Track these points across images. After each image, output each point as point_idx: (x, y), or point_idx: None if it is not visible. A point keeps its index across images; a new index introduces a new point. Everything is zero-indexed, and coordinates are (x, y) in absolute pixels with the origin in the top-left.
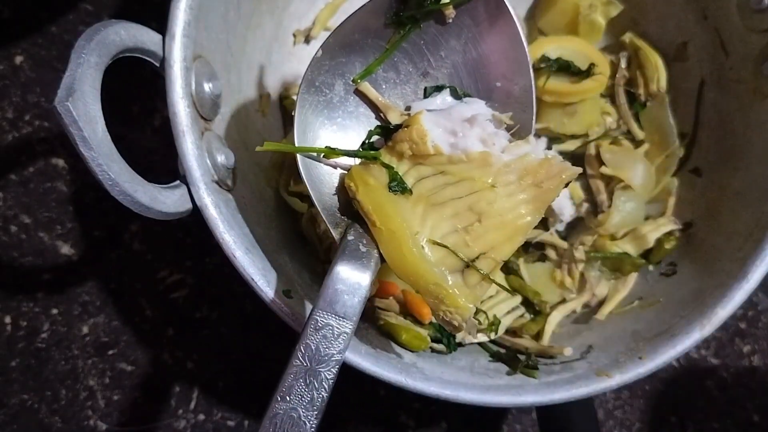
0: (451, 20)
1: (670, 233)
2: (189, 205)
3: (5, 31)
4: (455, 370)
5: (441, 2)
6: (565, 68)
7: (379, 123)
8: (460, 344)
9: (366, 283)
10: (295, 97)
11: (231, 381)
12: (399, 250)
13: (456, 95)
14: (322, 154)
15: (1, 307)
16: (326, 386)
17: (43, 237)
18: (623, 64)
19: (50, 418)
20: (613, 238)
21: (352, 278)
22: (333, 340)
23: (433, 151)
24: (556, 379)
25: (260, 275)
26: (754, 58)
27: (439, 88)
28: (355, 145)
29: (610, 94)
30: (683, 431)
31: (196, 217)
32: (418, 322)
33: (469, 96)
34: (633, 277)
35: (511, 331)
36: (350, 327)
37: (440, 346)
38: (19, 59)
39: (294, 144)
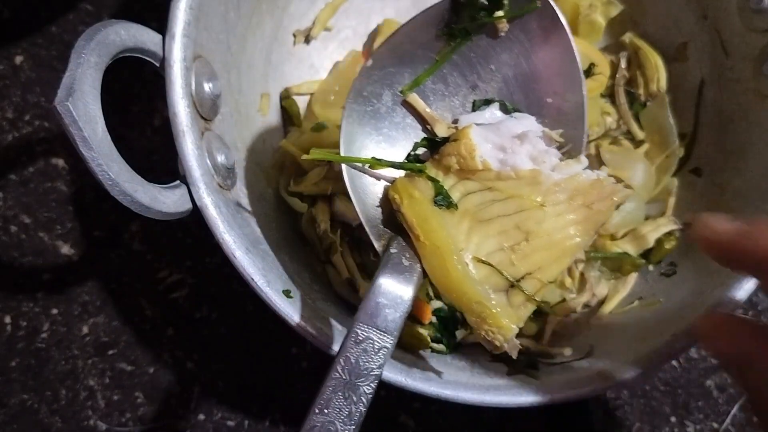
0: (503, 34)
1: (670, 233)
2: (189, 205)
3: (5, 31)
4: (455, 370)
5: (494, 16)
6: None
7: (425, 135)
8: (460, 344)
9: (408, 298)
10: (295, 97)
11: (231, 381)
12: (443, 266)
13: (505, 110)
14: (368, 165)
15: (1, 307)
16: (364, 401)
17: (43, 237)
18: (623, 64)
19: (50, 418)
20: (613, 238)
21: (394, 292)
22: (373, 354)
23: (482, 167)
24: (556, 380)
25: (260, 275)
26: (754, 58)
27: (488, 102)
28: (400, 156)
29: (610, 94)
30: (683, 431)
31: (196, 217)
32: (418, 322)
33: (519, 111)
34: (633, 277)
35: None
36: (391, 341)
37: (440, 347)
38: (19, 59)
39: (339, 153)
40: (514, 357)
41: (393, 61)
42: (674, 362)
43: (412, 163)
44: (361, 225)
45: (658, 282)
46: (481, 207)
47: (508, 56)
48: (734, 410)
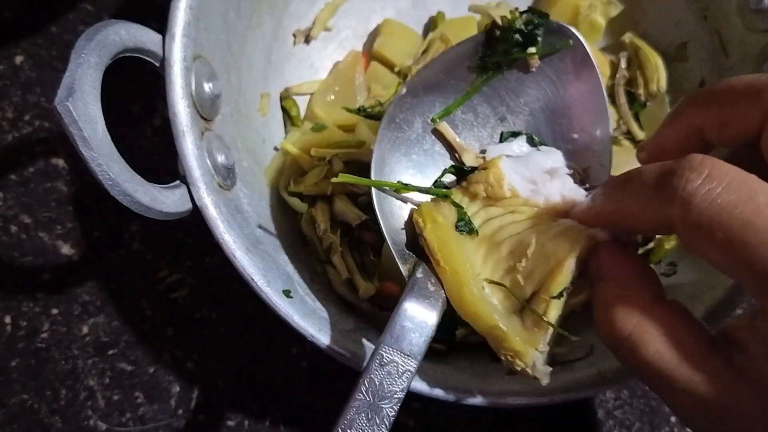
0: (534, 69)
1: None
2: (189, 205)
3: (5, 31)
4: (455, 370)
5: (527, 52)
6: None
7: (453, 163)
8: (460, 344)
9: (433, 323)
10: (295, 97)
11: (231, 381)
12: (461, 290)
13: (532, 142)
14: (395, 189)
15: (1, 307)
16: (387, 423)
17: (44, 237)
18: (623, 64)
19: (50, 418)
20: None
21: (419, 316)
22: (397, 377)
23: (510, 194)
24: (556, 380)
25: (260, 275)
26: (754, 58)
27: (515, 134)
28: (427, 182)
29: (609, 94)
30: (683, 431)
31: (196, 217)
32: None
33: (545, 145)
34: None
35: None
36: (414, 365)
37: (440, 346)
38: (19, 59)
39: (369, 177)
40: (544, 384)
41: (426, 91)
42: None
43: (439, 189)
44: (361, 225)
45: None
46: (499, 230)
47: (537, 91)
48: None
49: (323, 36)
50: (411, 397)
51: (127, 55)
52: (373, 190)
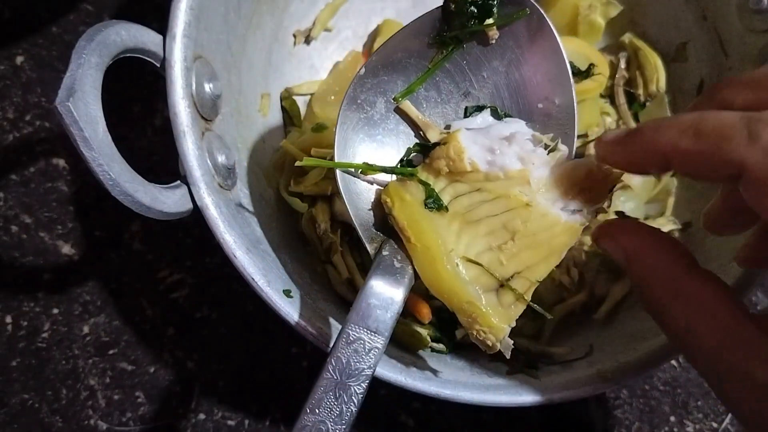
0: (494, 41)
1: (669, 233)
2: (189, 205)
3: (6, 31)
4: (455, 369)
5: (485, 23)
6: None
7: (418, 141)
8: (460, 344)
9: (399, 299)
10: (295, 98)
11: (231, 381)
12: (433, 267)
13: (497, 115)
14: (360, 170)
15: (1, 307)
16: (355, 401)
17: (44, 237)
18: (622, 64)
19: (51, 418)
20: None
21: (385, 293)
22: (364, 354)
23: (470, 168)
24: (556, 379)
25: (260, 275)
26: (753, 58)
27: (479, 108)
28: (393, 162)
29: (609, 95)
30: (683, 431)
31: (196, 217)
32: (418, 322)
33: (510, 116)
34: None
35: (511, 331)
36: (382, 342)
37: (440, 346)
38: (19, 59)
39: (333, 159)
40: (507, 356)
41: (386, 70)
42: (674, 362)
43: (404, 168)
44: None
45: None
46: (471, 208)
47: (500, 63)
48: None
49: (323, 36)
50: (411, 396)
51: (128, 55)
52: (338, 172)
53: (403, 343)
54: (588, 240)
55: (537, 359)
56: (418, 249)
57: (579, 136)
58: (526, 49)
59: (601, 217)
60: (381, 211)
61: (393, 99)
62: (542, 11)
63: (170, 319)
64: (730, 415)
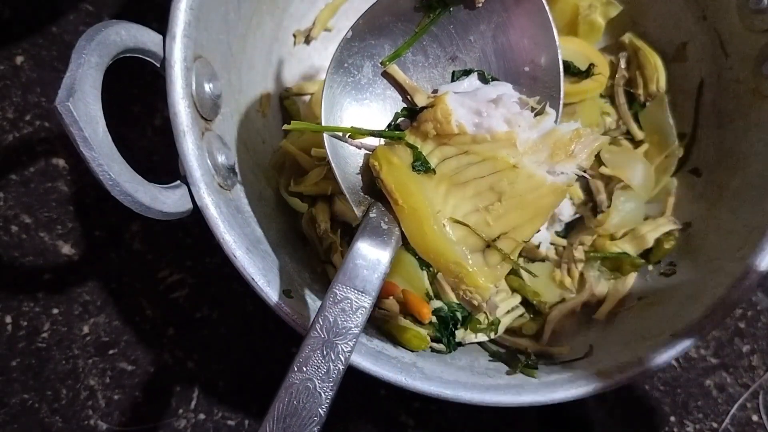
0: (480, 5)
1: (669, 233)
2: (189, 205)
3: (6, 31)
4: (455, 369)
5: None
6: (564, 69)
7: (405, 105)
8: (460, 344)
9: (386, 260)
10: (295, 98)
11: (231, 381)
12: (420, 228)
13: (484, 79)
14: (348, 135)
15: (1, 307)
16: (342, 359)
17: (44, 237)
18: (623, 64)
19: (51, 418)
20: (612, 238)
21: (372, 254)
22: (351, 313)
23: (457, 131)
24: (556, 379)
25: (260, 275)
26: (753, 58)
27: (467, 72)
28: (381, 126)
29: (609, 95)
30: (683, 431)
31: (196, 217)
32: (418, 322)
33: (497, 80)
34: (632, 277)
35: (511, 331)
36: (369, 302)
37: (440, 346)
38: (19, 59)
39: (320, 124)
40: (491, 317)
41: (372, 33)
42: (674, 362)
43: (392, 131)
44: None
45: (658, 282)
46: (458, 170)
47: (486, 27)
48: (733, 410)
49: (323, 36)
50: (411, 396)
51: (128, 55)
52: (325, 136)
53: (403, 343)
54: (588, 240)
55: (537, 359)
56: (405, 211)
57: None
58: (512, 12)
59: (601, 218)
60: (369, 175)
61: (380, 63)
62: None
63: (170, 319)
64: (730, 416)
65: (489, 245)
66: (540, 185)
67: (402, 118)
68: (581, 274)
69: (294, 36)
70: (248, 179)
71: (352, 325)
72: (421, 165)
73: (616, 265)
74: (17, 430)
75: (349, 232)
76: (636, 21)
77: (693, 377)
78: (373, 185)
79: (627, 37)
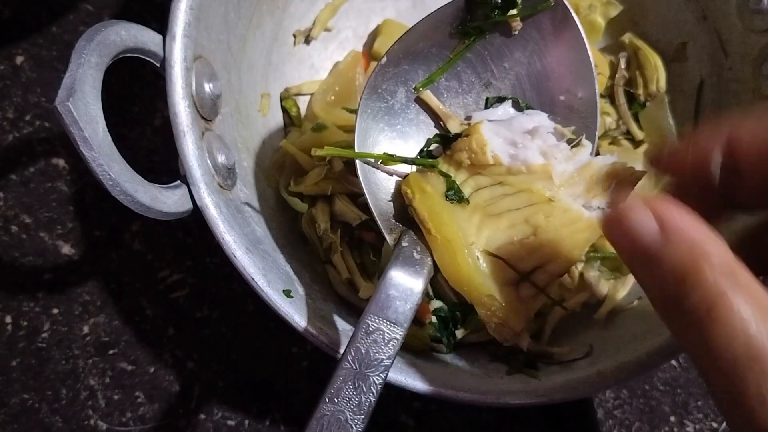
0: (517, 32)
1: None
2: (189, 206)
3: (6, 31)
4: (455, 369)
5: (508, 14)
6: None
7: (438, 131)
8: (460, 344)
9: (419, 290)
10: (295, 98)
11: (231, 381)
12: (453, 260)
13: (518, 107)
14: (380, 161)
15: (1, 307)
16: (374, 391)
17: (44, 237)
18: (622, 64)
19: (51, 418)
20: None
21: (405, 284)
22: (383, 345)
23: (492, 161)
24: (556, 379)
25: (260, 275)
26: (753, 58)
27: (501, 99)
28: (413, 152)
29: (609, 95)
30: (683, 431)
31: (196, 217)
32: (419, 322)
33: (531, 108)
34: (632, 277)
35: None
36: (401, 333)
37: (440, 346)
38: (19, 59)
39: (354, 149)
40: (525, 349)
41: (407, 59)
42: (674, 362)
43: (424, 159)
44: (361, 225)
45: None
46: (492, 201)
47: (522, 54)
48: None
49: (323, 36)
50: (411, 396)
51: (128, 55)
52: (358, 162)
53: (404, 343)
54: None
55: (537, 359)
56: (438, 241)
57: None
58: (549, 41)
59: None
60: (400, 202)
61: (414, 89)
62: (567, 3)
63: (170, 319)
64: None
65: (522, 279)
66: (576, 220)
67: (435, 145)
68: (581, 274)
69: (294, 36)
70: (248, 179)
71: (384, 357)
72: (454, 194)
73: (617, 265)
74: (17, 430)
75: (349, 233)
76: (636, 21)
77: (693, 377)
78: (404, 212)
79: (627, 37)
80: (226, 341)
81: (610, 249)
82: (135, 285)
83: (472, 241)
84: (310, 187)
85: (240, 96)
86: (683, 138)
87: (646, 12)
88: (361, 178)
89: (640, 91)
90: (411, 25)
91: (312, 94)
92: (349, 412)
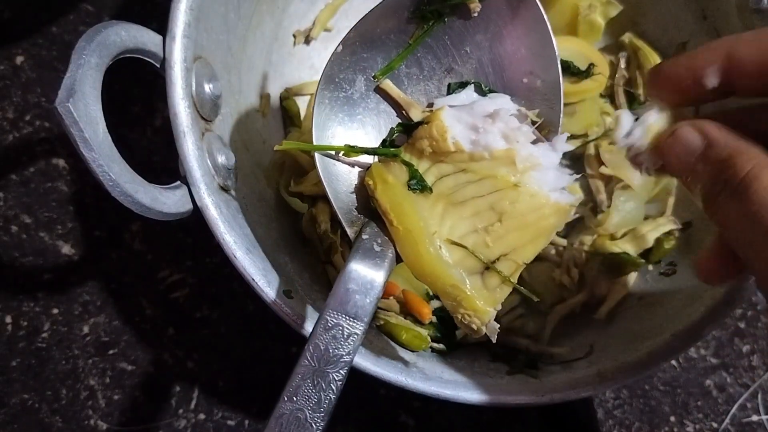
0: (476, 14)
1: (669, 233)
2: (190, 206)
3: (6, 31)
4: (455, 370)
5: None
6: (564, 68)
7: (400, 120)
8: (460, 344)
9: (379, 283)
10: (295, 98)
11: (231, 381)
12: (416, 250)
13: (481, 91)
14: (341, 153)
15: (1, 307)
16: (334, 388)
17: (44, 237)
18: (622, 64)
19: (51, 418)
20: (612, 237)
21: (365, 278)
22: (343, 341)
23: (454, 148)
24: (556, 379)
25: (261, 275)
26: None
27: (463, 85)
28: (375, 143)
29: (609, 95)
30: (683, 431)
31: (196, 217)
32: (418, 322)
33: (495, 92)
34: (633, 277)
35: (511, 331)
36: (361, 328)
37: (440, 346)
38: (19, 59)
39: (312, 141)
40: (494, 341)
41: (364, 46)
42: (674, 362)
43: (386, 149)
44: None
45: (658, 282)
46: (456, 189)
47: (483, 37)
48: (734, 410)
49: (323, 36)
50: (411, 396)
51: (128, 56)
52: (317, 154)
53: (403, 343)
54: (588, 239)
55: (537, 359)
56: (400, 232)
57: (578, 137)
58: (509, 21)
59: (601, 217)
60: (363, 194)
61: (373, 77)
62: None
63: (170, 319)
64: (730, 416)
65: (488, 267)
66: (543, 205)
67: (398, 134)
68: (581, 274)
69: (294, 36)
70: (248, 179)
71: (344, 353)
72: (417, 183)
73: (616, 265)
74: (17, 430)
75: None
76: (636, 21)
77: (693, 377)
78: (367, 204)
79: (627, 37)
80: (226, 341)
81: (610, 249)
82: (135, 285)
83: (435, 231)
84: (310, 187)
85: (240, 96)
86: (680, 56)
87: (646, 12)
88: (320, 171)
89: (640, 91)
90: None
91: (312, 94)
92: (309, 410)
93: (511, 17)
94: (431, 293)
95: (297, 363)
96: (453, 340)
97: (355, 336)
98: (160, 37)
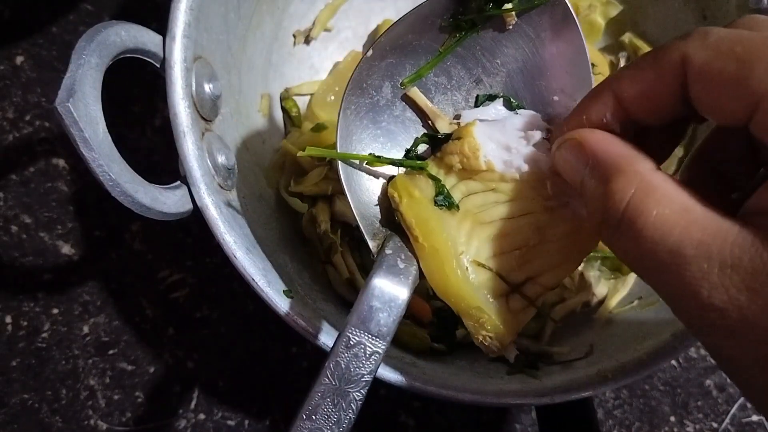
0: (511, 27)
1: None
2: (190, 206)
3: (6, 31)
4: (455, 370)
5: (503, 8)
6: None
7: (425, 130)
8: (460, 344)
9: (403, 301)
10: (295, 98)
11: (231, 381)
12: (442, 269)
13: (509, 106)
14: (365, 162)
15: (1, 307)
16: (354, 408)
17: (44, 237)
18: (622, 64)
19: (51, 418)
20: None
21: (388, 294)
22: (364, 359)
23: (485, 167)
24: (556, 379)
25: (261, 275)
26: None
27: (492, 97)
28: (398, 151)
29: None
30: (683, 431)
31: (196, 217)
32: (418, 322)
33: (523, 108)
34: (633, 277)
35: None
36: (383, 347)
37: (440, 346)
38: (19, 59)
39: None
40: (511, 361)
41: (394, 53)
42: (674, 362)
43: (413, 161)
44: None
45: None
46: (484, 209)
47: (515, 51)
48: (733, 410)
49: (323, 36)
50: (411, 396)
51: (128, 55)
52: (339, 163)
53: (403, 343)
54: None
55: (537, 359)
56: (425, 249)
57: None
58: (545, 38)
59: None
60: (386, 205)
61: (400, 84)
62: (567, 0)
63: (170, 319)
64: (730, 415)
65: (513, 290)
66: (575, 231)
67: (422, 146)
68: (581, 274)
69: (294, 36)
70: (248, 179)
71: (365, 372)
72: (444, 200)
73: (617, 265)
74: (17, 430)
75: (349, 233)
76: (636, 21)
77: (693, 377)
78: (390, 216)
79: (627, 37)
80: (226, 341)
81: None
82: (135, 285)
83: (462, 251)
84: (310, 187)
85: (240, 96)
86: (572, 119)
87: (646, 12)
88: (343, 180)
89: None
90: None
91: (312, 94)
92: (328, 429)
93: (548, 33)
94: (432, 293)
95: (316, 381)
96: (453, 340)
97: (377, 355)
98: (160, 37)
